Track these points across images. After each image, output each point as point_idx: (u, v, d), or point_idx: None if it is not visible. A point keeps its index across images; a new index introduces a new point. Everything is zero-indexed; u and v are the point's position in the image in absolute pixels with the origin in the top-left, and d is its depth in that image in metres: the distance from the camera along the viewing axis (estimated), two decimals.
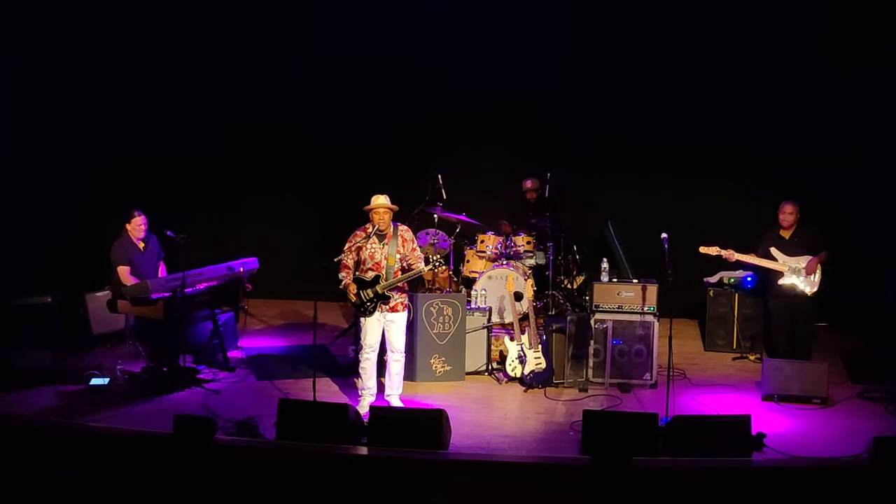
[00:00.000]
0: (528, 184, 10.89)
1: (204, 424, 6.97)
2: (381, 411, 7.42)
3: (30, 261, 10.27)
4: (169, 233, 8.85)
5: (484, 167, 10.93)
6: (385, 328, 8.11)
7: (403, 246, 8.12)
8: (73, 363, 9.05)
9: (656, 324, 8.84)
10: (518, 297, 9.40)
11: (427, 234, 10.62)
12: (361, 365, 8.15)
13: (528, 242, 10.51)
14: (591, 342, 8.91)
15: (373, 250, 8.05)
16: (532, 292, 9.29)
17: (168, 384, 8.57)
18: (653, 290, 8.86)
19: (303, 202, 11.59)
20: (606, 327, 8.90)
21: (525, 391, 8.76)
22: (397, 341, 8.15)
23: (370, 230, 8.05)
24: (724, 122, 10.61)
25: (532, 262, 10.49)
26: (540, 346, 8.87)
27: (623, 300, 8.92)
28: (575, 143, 10.89)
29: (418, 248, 8.25)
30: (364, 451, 7.06)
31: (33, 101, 10.65)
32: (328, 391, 8.58)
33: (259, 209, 11.58)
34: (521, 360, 8.84)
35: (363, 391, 8.20)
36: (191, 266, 8.63)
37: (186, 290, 8.61)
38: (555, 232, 10.40)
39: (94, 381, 8.52)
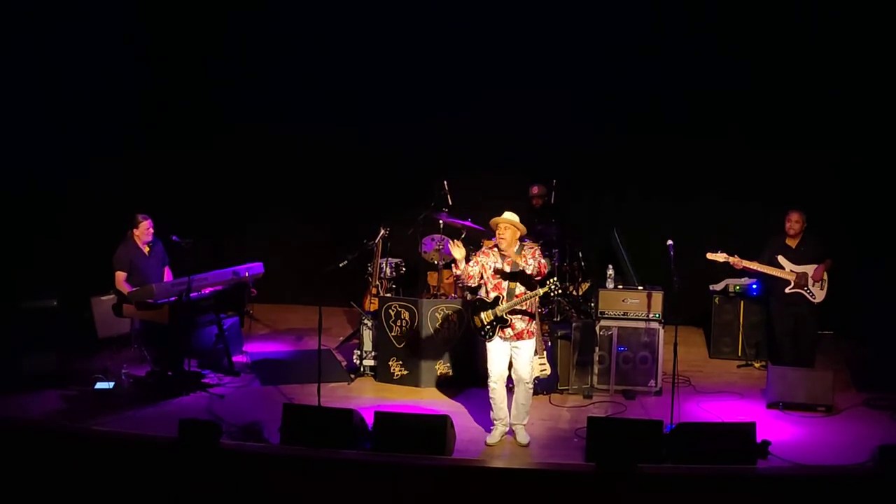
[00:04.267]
0: (535, 190, 10.88)
1: (208, 429, 6.98)
2: (385, 417, 7.41)
3: (36, 264, 10.29)
4: (174, 237, 8.86)
5: (490, 173, 10.91)
6: (512, 355, 7.55)
7: (527, 264, 7.46)
8: (79, 367, 9.09)
9: (661, 331, 8.83)
10: None
11: (432, 239, 10.60)
12: (490, 396, 7.61)
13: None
14: (596, 349, 8.89)
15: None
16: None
17: (173, 388, 8.58)
18: (658, 297, 8.85)
19: (309, 207, 11.59)
20: (611, 334, 8.88)
21: None
22: (523, 370, 7.56)
23: (492, 245, 7.62)
24: (730, 128, 10.60)
25: None
26: (545, 353, 8.82)
27: (628, 307, 8.90)
28: (581, 148, 10.88)
29: (539, 259, 7.47)
30: (368, 456, 7.06)
31: (40, 103, 10.68)
32: (333, 396, 8.56)
33: (265, 214, 11.58)
34: None
35: (496, 422, 7.68)
36: (196, 270, 8.66)
37: (192, 295, 8.63)
38: (560, 238, 10.38)
39: (100, 385, 8.54)
